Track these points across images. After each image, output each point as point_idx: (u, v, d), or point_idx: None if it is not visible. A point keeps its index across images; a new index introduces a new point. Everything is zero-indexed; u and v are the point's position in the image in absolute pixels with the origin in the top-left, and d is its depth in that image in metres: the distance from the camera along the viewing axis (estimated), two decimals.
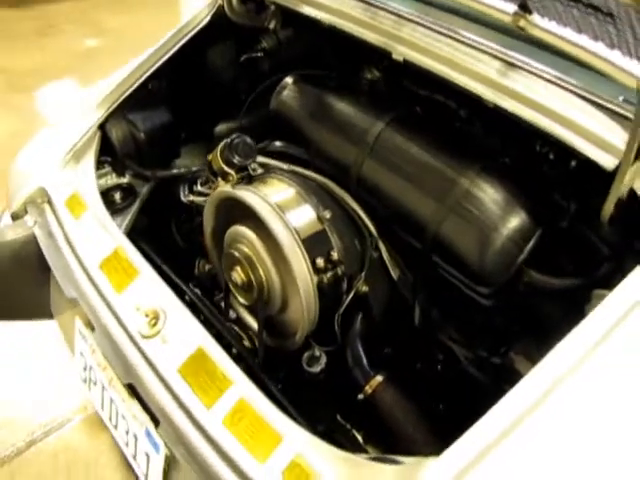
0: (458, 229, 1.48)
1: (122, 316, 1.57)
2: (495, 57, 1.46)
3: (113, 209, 1.91)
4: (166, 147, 1.98)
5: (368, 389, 1.54)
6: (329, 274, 1.54)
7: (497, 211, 1.45)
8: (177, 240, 1.95)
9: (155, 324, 1.52)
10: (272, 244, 1.54)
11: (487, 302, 1.54)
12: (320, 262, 1.51)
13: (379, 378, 1.55)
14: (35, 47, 4.90)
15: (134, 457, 1.63)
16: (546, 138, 1.47)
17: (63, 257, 1.72)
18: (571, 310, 1.47)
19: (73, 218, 1.78)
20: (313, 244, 1.53)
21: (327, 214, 1.56)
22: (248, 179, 1.68)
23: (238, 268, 1.61)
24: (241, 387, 1.40)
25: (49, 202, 1.85)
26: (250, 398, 1.38)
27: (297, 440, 1.31)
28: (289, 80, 1.84)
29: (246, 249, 1.60)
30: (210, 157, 1.69)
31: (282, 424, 1.34)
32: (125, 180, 1.97)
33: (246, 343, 1.74)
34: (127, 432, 1.63)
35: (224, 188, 1.63)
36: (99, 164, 1.96)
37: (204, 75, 2.07)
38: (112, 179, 1.97)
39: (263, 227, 1.54)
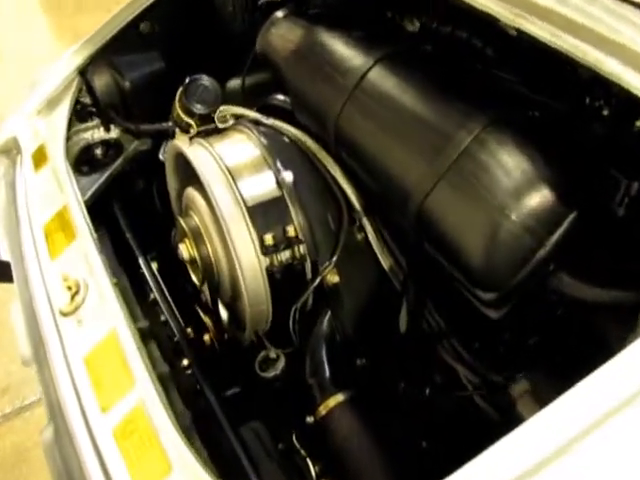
0: (448, 204, 1.00)
1: (48, 286, 1.26)
2: None
3: (92, 166, 1.61)
4: (157, 99, 1.64)
5: (322, 410, 1.12)
6: (283, 256, 1.12)
7: (507, 183, 0.96)
8: (157, 206, 1.61)
9: (74, 299, 1.20)
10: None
11: (494, 313, 1.05)
12: (269, 239, 1.10)
13: (339, 397, 1.12)
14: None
15: None
16: (598, 83, 0.96)
17: (12, 213, 1.44)
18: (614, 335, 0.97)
19: (33, 172, 1.49)
20: (263, 215, 1.12)
21: (288, 177, 1.14)
22: (215, 131, 1.30)
23: (186, 240, 1.24)
24: (140, 391, 1.03)
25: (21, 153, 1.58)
26: (148, 407, 1.01)
27: (188, 475, 0.93)
28: (279, 15, 1.42)
29: (195, 218, 1.23)
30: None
31: (175, 448, 0.95)
32: (113, 135, 1.66)
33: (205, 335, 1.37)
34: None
35: (177, 141, 1.27)
36: (87, 115, 1.67)
37: (211, 18, 1.71)
38: (99, 133, 1.67)
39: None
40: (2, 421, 2.08)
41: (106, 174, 1.59)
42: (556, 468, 0.70)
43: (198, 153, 1.18)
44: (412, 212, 1.05)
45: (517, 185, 0.96)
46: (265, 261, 1.11)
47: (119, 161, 1.62)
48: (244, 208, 1.11)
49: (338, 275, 1.15)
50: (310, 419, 1.11)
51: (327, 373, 1.15)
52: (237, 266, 1.09)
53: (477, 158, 0.99)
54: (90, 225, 1.33)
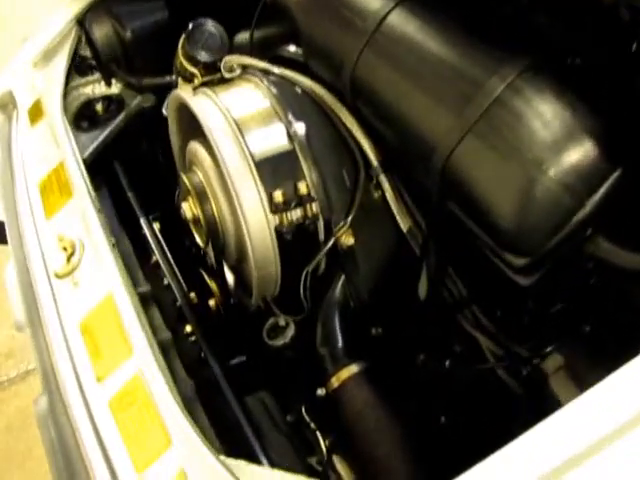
0: (477, 159, 0.88)
1: (42, 247, 1.16)
2: None
3: (92, 122, 1.50)
4: (161, 51, 1.51)
5: (334, 382, 1.02)
6: (294, 214, 1.01)
7: (545, 135, 0.83)
8: (160, 164, 1.50)
9: (70, 261, 1.10)
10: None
11: (524, 280, 0.94)
12: (278, 196, 0.99)
13: (352, 368, 1.02)
14: None
15: None
16: None
17: (7, 171, 1.34)
18: None
19: (29, 127, 1.38)
20: (272, 170, 1.01)
21: (300, 129, 1.02)
22: (221, 81, 1.18)
23: (189, 199, 1.13)
24: (139, 360, 0.94)
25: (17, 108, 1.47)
26: (147, 377, 0.92)
27: (188, 450, 0.84)
28: None
29: (199, 174, 1.12)
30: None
31: (175, 421, 0.87)
32: (115, 91, 1.55)
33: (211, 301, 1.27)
34: None
35: (179, 91, 1.15)
36: (87, 69, 1.55)
37: None
38: (100, 88, 1.55)
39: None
40: (7, 385, 2.02)
41: (107, 130, 1.47)
42: (605, 456, 0.60)
43: (202, 103, 1.07)
44: (436, 167, 0.93)
45: (556, 137, 0.84)
46: (274, 220, 1.00)
47: (121, 117, 1.50)
48: (252, 162, 0.99)
49: (353, 236, 1.05)
50: (321, 391, 1.02)
51: (340, 342, 1.06)
52: (243, 225, 0.98)
53: (511, 107, 0.86)
54: (88, 182, 1.23)
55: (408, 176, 1.10)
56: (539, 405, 0.95)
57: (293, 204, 1.00)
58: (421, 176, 1.01)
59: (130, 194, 1.36)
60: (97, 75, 1.56)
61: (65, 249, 1.11)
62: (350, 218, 1.05)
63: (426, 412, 1.04)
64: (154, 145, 1.54)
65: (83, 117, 1.51)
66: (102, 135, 1.47)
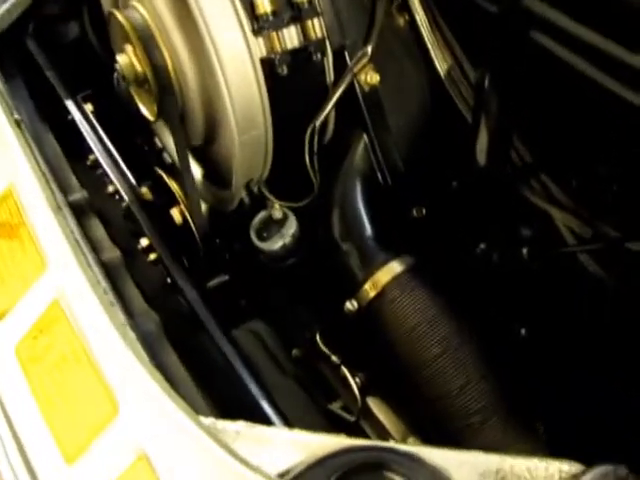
0: None
1: None
2: None
3: None
4: None
5: (368, 289, 0.64)
6: (289, 35, 0.61)
7: None
8: (91, 40, 1.06)
9: None
10: None
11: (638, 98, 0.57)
12: (263, 4, 0.59)
13: (395, 267, 0.64)
14: None
15: None
16: None
17: None
18: None
19: None
20: None
21: None
22: None
23: (128, 47, 0.72)
24: (58, 274, 0.54)
25: None
26: (72, 302, 0.52)
27: (148, 416, 0.46)
28: None
29: (139, 9, 0.70)
30: None
31: (123, 369, 0.48)
32: None
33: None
34: None
35: None
36: None
37: None
38: None
39: None
40: None
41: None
42: None
43: None
44: None
45: None
46: (259, 46, 0.60)
47: None
48: None
49: (378, 73, 0.66)
50: (351, 305, 0.65)
51: (369, 231, 0.66)
52: (213, 57, 0.57)
53: None
54: None
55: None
56: None
57: (286, 18, 0.60)
58: None
59: (49, 73, 0.93)
60: None
61: None
62: (371, 46, 0.65)
63: (499, 323, 0.68)
64: (82, 19, 1.11)
65: None
66: (7, 4, 1.03)
